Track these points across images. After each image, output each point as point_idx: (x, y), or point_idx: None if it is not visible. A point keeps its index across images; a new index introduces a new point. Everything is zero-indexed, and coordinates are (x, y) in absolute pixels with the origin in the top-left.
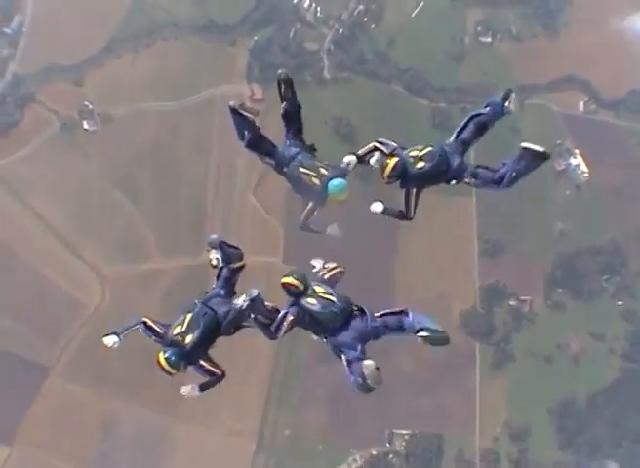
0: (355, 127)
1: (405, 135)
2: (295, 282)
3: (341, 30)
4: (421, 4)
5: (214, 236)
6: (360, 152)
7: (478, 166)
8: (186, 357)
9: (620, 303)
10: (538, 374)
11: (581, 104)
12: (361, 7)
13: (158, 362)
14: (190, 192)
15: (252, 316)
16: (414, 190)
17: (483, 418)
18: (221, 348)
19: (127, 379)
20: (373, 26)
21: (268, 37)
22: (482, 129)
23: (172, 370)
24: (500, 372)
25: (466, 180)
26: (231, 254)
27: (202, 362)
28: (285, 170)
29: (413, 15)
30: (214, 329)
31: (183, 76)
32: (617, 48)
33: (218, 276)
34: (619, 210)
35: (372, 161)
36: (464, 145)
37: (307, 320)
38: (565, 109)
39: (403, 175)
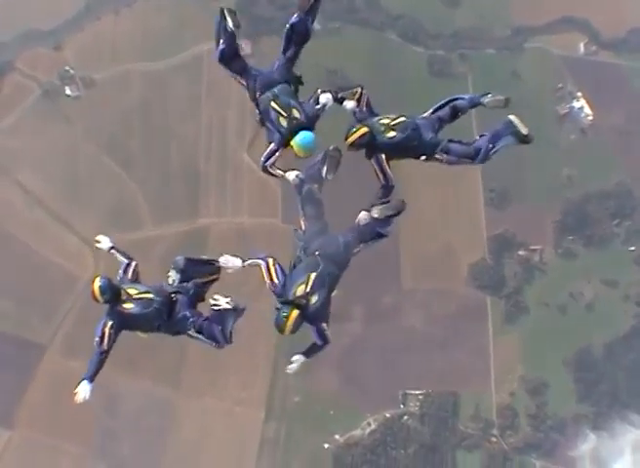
0: (351, 79)
1: (403, 84)
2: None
3: None
4: None
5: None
6: (341, 94)
7: (450, 140)
8: (114, 297)
9: (632, 248)
10: (552, 326)
11: (581, 46)
12: None
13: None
14: (182, 155)
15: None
16: (382, 156)
17: (498, 374)
18: None
19: (127, 352)
20: None
21: None
22: (456, 114)
23: (99, 298)
24: (512, 326)
25: (437, 156)
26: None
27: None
28: (258, 97)
29: None
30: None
31: (168, 34)
32: None
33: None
34: (625, 152)
35: (347, 106)
36: (440, 122)
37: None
38: (565, 51)
39: (369, 145)
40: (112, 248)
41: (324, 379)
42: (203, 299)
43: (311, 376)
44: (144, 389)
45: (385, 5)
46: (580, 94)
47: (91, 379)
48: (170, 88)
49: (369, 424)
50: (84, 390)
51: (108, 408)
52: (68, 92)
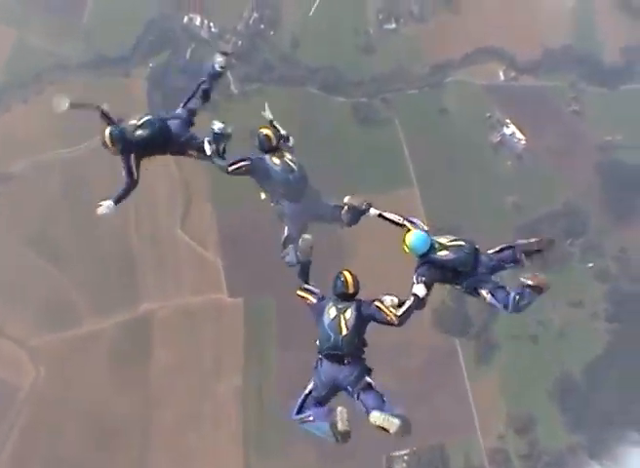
0: None
1: (332, 136)
2: None
3: (240, 42)
4: (317, 2)
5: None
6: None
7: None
8: (126, 144)
9: (590, 265)
10: (527, 358)
11: (501, 73)
12: (255, 15)
13: (102, 134)
14: (113, 239)
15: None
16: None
17: (482, 417)
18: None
19: (82, 461)
20: (272, 33)
21: (164, 62)
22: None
23: (109, 143)
24: (487, 365)
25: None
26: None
27: (132, 159)
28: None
29: (310, 14)
30: (162, 141)
31: (82, 118)
32: (520, 10)
33: (185, 102)
34: (564, 170)
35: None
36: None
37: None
38: (486, 80)
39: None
40: (71, 105)
41: (302, 453)
42: (193, 123)
43: (286, 452)
44: None
45: (302, 59)
46: (508, 120)
47: (116, 201)
48: (92, 171)
49: None
50: (107, 206)
51: None
52: None
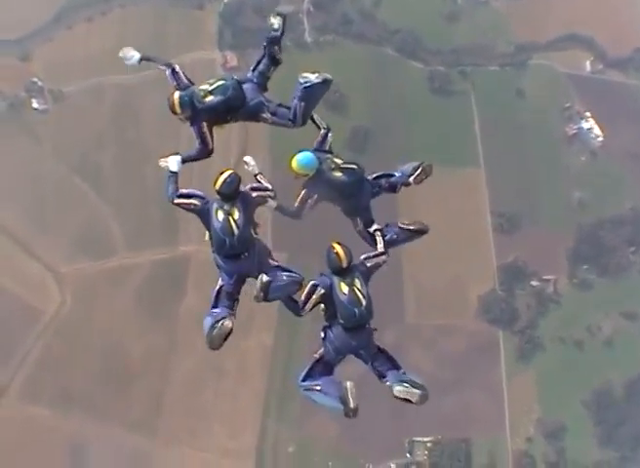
0: (346, 95)
1: (404, 101)
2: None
3: None
4: None
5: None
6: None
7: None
8: (196, 112)
9: None
10: (569, 363)
11: (588, 64)
12: None
13: (170, 98)
14: (159, 179)
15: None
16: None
17: (513, 417)
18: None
19: (96, 396)
20: None
21: None
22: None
23: (177, 109)
24: (527, 364)
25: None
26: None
27: (204, 127)
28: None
29: None
30: (234, 106)
31: (146, 45)
32: (618, 3)
33: (255, 66)
34: (637, 175)
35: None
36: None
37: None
38: (571, 69)
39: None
40: (142, 58)
41: (321, 426)
42: (267, 88)
43: (307, 423)
44: (116, 438)
45: (382, 18)
46: (588, 114)
47: (184, 160)
48: (146, 102)
49: None
50: (174, 160)
51: (76, 459)
52: (36, 105)
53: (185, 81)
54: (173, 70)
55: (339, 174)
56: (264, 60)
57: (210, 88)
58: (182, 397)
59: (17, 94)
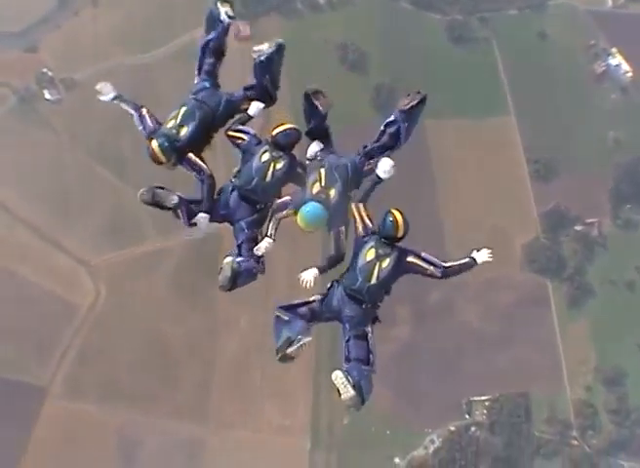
0: (365, 52)
1: (423, 53)
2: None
3: None
4: None
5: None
6: None
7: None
8: (179, 151)
9: None
10: (622, 306)
11: None
12: None
13: (150, 149)
14: None
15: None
16: (191, 156)
17: (570, 367)
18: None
19: (141, 387)
20: None
21: None
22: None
23: (162, 158)
24: (579, 311)
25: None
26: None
27: (192, 158)
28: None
29: None
30: (209, 122)
31: (154, 23)
32: None
33: (199, 67)
34: None
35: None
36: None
37: None
38: (591, 6)
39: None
40: (116, 97)
41: (375, 394)
42: (218, 85)
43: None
44: (166, 427)
45: None
46: (614, 50)
47: (206, 210)
48: (162, 81)
49: (432, 441)
50: (203, 219)
51: (126, 452)
52: (48, 96)
53: (152, 124)
54: (140, 114)
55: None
56: (207, 60)
57: (179, 121)
58: (230, 379)
59: (27, 86)
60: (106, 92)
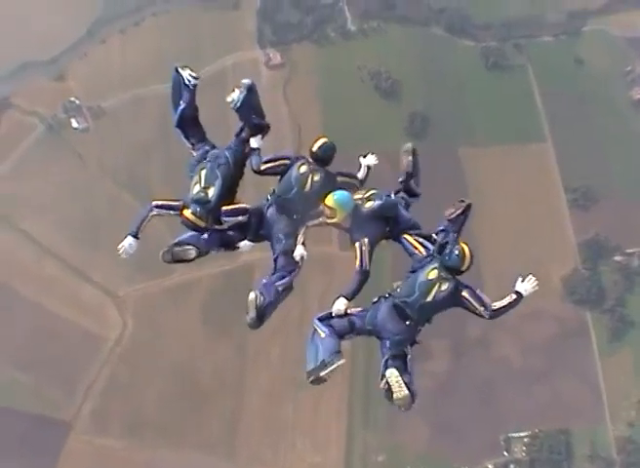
0: (398, 80)
1: (460, 80)
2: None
3: None
4: None
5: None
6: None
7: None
8: (213, 211)
9: None
10: None
11: None
12: None
13: (184, 218)
14: None
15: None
16: (226, 207)
17: (612, 402)
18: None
19: (168, 421)
20: None
21: None
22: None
23: (200, 223)
24: (620, 343)
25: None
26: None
27: (227, 207)
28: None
29: None
30: (231, 175)
31: (184, 51)
32: None
33: (190, 142)
34: None
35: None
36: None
37: None
38: (626, 32)
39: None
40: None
41: (411, 430)
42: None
43: (395, 428)
44: (194, 463)
45: None
46: None
47: (252, 238)
48: None
49: None
50: (248, 246)
51: None
52: (75, 124)
53: (175, 203)
54: (156, 206)
55: (370, 203)
56: (191, 132)
57: (203, 184)
58: (260, 413)
59: (55, 115)
60: (127, 241)
